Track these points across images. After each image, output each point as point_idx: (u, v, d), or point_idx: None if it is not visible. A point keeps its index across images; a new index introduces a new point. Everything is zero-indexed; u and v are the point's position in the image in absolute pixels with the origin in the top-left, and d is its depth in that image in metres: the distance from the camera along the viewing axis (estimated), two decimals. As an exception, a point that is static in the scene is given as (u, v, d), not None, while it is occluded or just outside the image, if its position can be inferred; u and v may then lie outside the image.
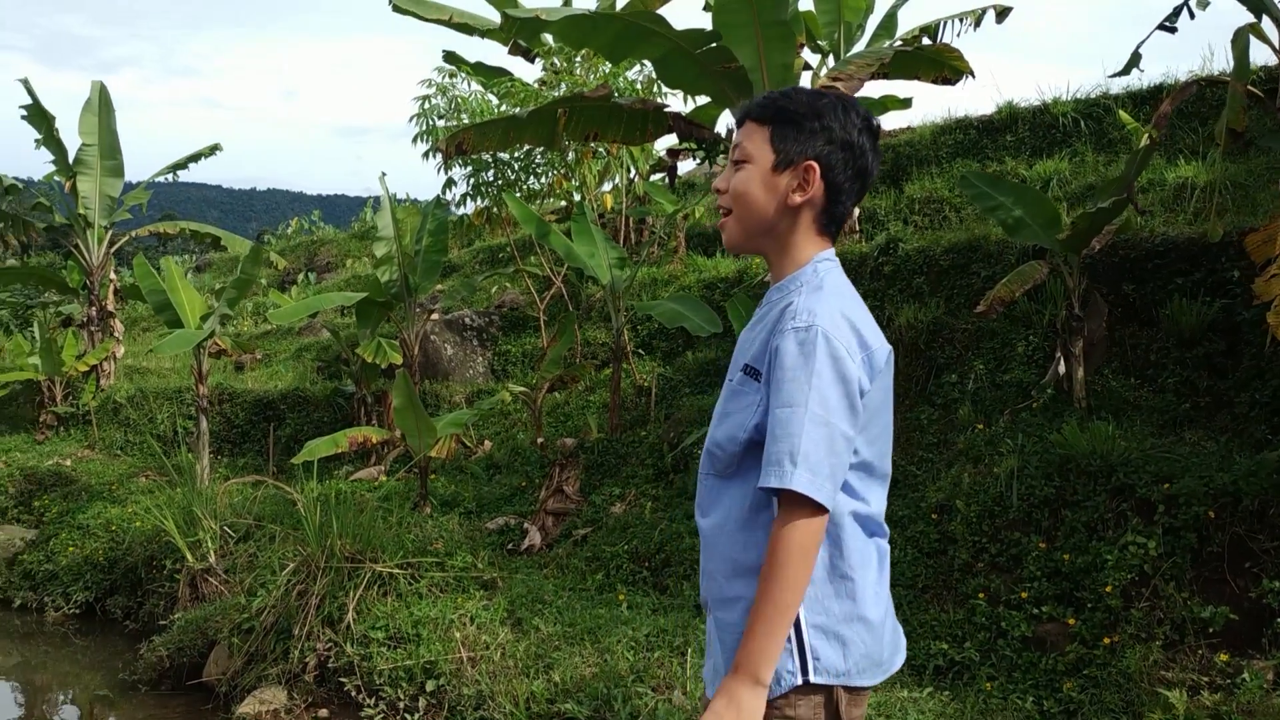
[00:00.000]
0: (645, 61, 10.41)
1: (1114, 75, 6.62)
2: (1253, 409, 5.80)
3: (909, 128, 13.52)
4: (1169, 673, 4.73)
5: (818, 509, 1.79)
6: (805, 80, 8.66)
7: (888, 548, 2.02)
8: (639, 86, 10.42)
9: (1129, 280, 6.80)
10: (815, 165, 1.95)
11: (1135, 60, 6.34)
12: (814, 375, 1.81)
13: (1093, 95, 11.52)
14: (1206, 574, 4.96)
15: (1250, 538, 4.90)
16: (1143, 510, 5.24)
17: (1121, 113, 10.66)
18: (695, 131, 6.57)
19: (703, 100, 6.83)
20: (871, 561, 1.96)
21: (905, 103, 10.61)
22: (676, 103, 9.00)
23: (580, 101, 6.43)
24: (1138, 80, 11.62)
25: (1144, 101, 11.09)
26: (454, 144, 6.46)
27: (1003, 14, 8.17)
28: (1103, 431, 5.64)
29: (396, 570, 6.24)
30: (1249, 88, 6.13)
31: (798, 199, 1.97)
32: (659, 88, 9.90)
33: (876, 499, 2.00)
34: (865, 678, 1.93)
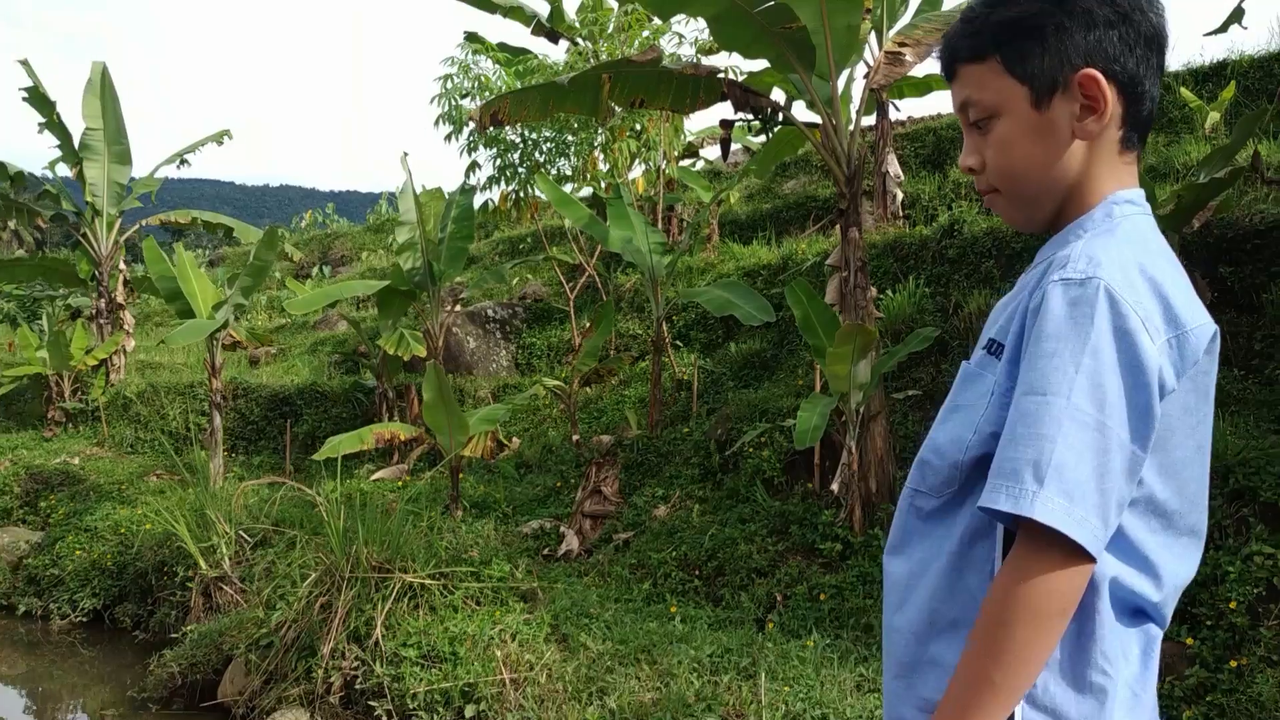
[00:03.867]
0: (680, 34, 9.88)
1: (1209, 34, 6.01)
2: (1379, 402, 5.24)
3: (953, 113, 12.96)
4: (1306, 700, 4.18)
5: (1075, 555, 1.19)
6: (870, 45, 8.11)
7: (1159, 635, 1.35)
8: (674, 55, 9.89)
9: (1226, 262, 6.22)
10: (1095, 71, 1.33)
11: (1238, 15, 5.73)
12: (1087, 352, 1.21)
13: (1150, 72, 10.93)
14: (1348, 589, 4.40)
15: (1400, 548, 4.34)
16: (1268, 516, 4.69)
17: (1184, 90, 10.10)
18: (751, 100, 6.01)
19: (759, 65, 6.28)
20: (1132, 652, 1.32)
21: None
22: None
23: (627, 67, 5.88)
24: (1199, 57, 11.08)
25: (1206, 79, 10.54)
26: (489, 114, 5.91)
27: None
28: (1214, 428, 5.06)
29: (429, 581, 5.69)
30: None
31: (1095, 126, 1.35)
32: (698, 60, 9.35)
33: (1171, 567, 1.33)
34: None
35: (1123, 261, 1.27)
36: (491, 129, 9.51)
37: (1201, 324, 1.30)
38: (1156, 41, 1.36)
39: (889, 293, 7.61)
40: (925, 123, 13.09)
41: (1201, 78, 10.55)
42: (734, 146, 14.23)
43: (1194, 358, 1.29)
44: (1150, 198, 5.68)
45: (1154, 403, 1.23)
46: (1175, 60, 11.24)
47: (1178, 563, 1.34)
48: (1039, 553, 1.19)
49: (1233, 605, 4.47)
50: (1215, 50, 11.88)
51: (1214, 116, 9.59)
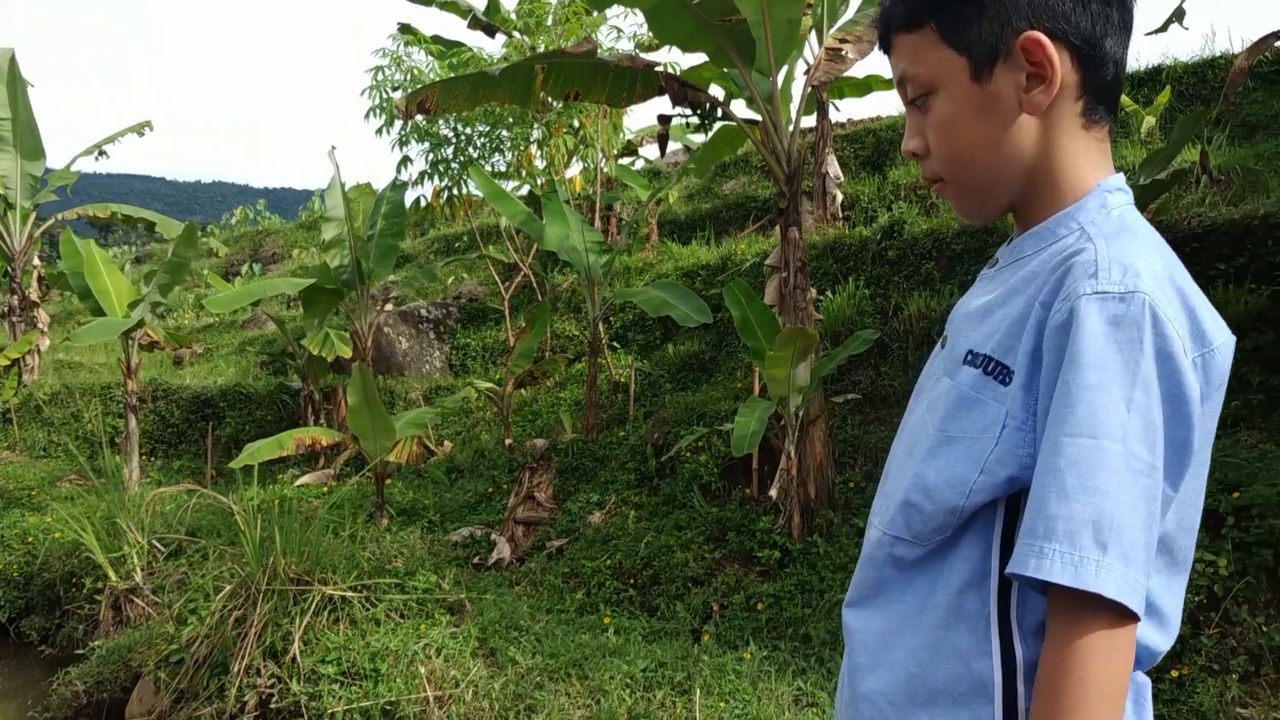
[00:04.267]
0: (619, 29, 9.68)
1: (1150, 33, 5.97)
2: (1317, 407, 5.21)
3: (893, 115, 12.95)
4: (1247, 710, 4.12)
5: (1124, 616, 1.03)
6: (810, 43, 7.98)
7: (1147, 682, 1.20)
8: (612, 49, 9.70)
9: (1165, 265, 6.18)
10: (1038, 33, 1.14)
11: (1179, 15, 5.68)
12: (1138, 385, 1.03)
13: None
14: (1288, 596, 4.34)
15: (1340, 555, 4.29)
16: (1208, 522, 4.61)
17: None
18: (689, 94, 5.83)
19: (698, 60, 6.12)
20: (1126, 710, 1.16)
21: (891, 83, 9.91)
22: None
23: (560, 58, 5.67)
24: (1135, 62, 11.16)
25: (1142, 83, 10.63)
26: (415, 103, 5.66)
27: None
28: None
29: (350, 593, 5.42)
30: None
31: (1044, 98, 1.16)
32: (635, 54, 9.18)
33: (1171, 606, 1.17)
34: None
35: (1155, 270, 1.08)
36: (422, 120, 9.24)
37: (1225, 340, 1.12)
38: None
39: (828, 294, 7.50)
40: (865, 124, 13.07)
41: (1137, 82, 10.64)
42: (674, 146, 14.09)
43: (1219, 380, 1.12)
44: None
45: (1193, 437, 1.06)
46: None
47: (1176, 600, 1.17)
48: (1090, 622, 1.03)
49: (1174, 614, 4.39)
50: (1150, 55, 12.03)
51: (1150, 121, 9.65)
